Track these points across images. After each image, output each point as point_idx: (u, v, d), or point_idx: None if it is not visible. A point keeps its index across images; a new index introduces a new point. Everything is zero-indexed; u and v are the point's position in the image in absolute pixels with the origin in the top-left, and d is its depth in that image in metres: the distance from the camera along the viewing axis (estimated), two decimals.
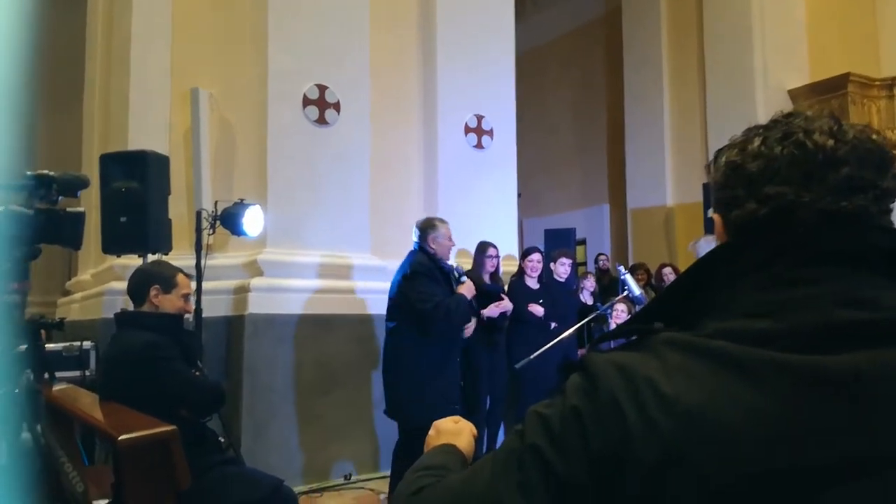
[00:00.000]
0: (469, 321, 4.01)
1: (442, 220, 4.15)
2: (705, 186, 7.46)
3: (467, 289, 3.98)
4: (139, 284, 2.93)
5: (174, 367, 2.74)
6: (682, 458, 0.66)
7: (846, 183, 0.75)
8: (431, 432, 1.01)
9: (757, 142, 0.80)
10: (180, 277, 3.00)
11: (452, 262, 4.42)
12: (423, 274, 3.87)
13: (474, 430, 0.97)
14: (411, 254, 4.08)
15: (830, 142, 0.77)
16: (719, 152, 0.85)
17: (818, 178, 0.76)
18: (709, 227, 6.96)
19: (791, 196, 0.76)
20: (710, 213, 0.91)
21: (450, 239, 4.11)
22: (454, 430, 0.99)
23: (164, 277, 2.95)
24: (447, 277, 4.02)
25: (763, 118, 0.84)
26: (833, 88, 7.86)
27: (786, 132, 0.79)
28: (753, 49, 8.08)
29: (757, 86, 8.04)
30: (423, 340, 3.84)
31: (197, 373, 2.97)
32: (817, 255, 0.74)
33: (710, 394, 0.68)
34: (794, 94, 8.07)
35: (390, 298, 4.02)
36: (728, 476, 0.65)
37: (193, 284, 3.77)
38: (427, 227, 4.07)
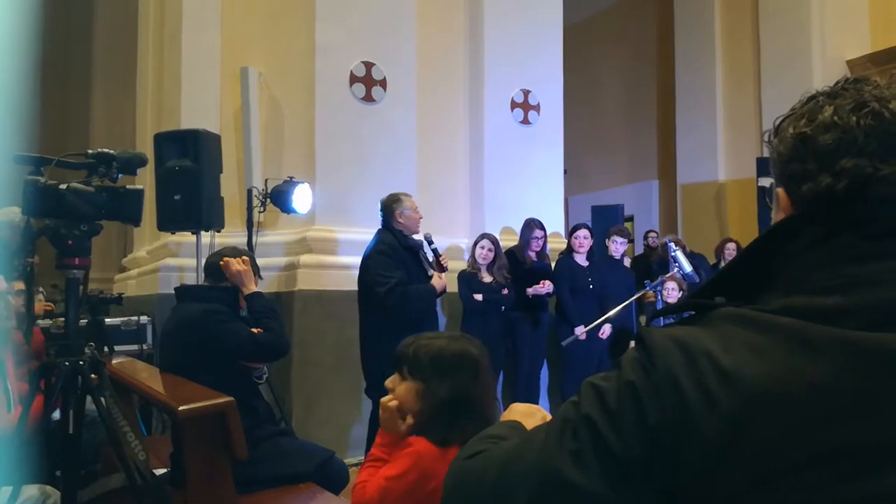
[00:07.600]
0: (432, 311, 3.93)
1: (406, 194, 4.07)
2: (759, 161, 7.25)
3: (439, 283, 3.89)
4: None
5: (233, 326, 2.81)
6: (741, 434, 0.66)
7: None
8: (505, 412, 1.02)
9: (828, 111, 0.75)
10: None
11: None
12: (385, 254, 3.82)
13: (547, 418, 0.96)
14: (377, 233, 3.98)
15: None
16: (782, 122, 0.81)
17: None
18: (762, 202, 6.77)
19: (869, 169, 0.72)
20: (770, 185, 0.86)
21: (416, 211, 4.04)
22: (527, 412, 0.98)
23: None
24: (415, 256, 3.94)
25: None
26: (895, 59, 7.53)
27: (858, 101, 0.74)
28: (811, 16, 7.78)
29: (814, 55, 7.75)
30: (388, 323, 3.69)
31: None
32: (889, 231, 0.71)
33: (773, 369, 0.67)
34: (853, 65, 7.75)
35: (358, 281, 3.97)
36: (789, 452, 0.64)
37: None
38: (391, 203, 4.00)
